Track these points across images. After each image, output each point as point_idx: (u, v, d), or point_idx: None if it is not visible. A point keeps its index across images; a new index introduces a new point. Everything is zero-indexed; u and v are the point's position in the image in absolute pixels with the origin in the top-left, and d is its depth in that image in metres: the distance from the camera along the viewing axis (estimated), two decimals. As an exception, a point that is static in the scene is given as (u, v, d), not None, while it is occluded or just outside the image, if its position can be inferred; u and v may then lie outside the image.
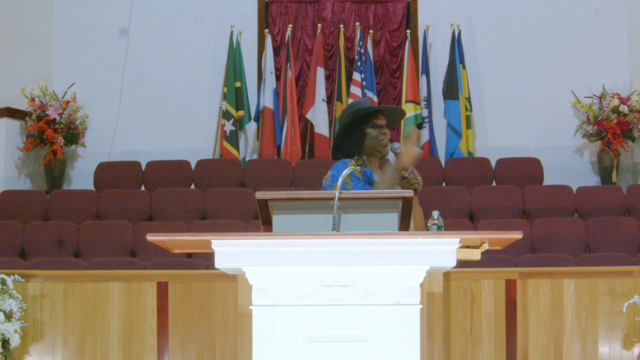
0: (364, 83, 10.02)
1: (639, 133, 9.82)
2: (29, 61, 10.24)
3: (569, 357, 6.92)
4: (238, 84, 10.11)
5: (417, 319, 3.16)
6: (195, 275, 7.26)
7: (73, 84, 10.02)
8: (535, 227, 8.41)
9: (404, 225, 3.57)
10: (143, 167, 9.76)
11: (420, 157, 4.11)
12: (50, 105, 9.84)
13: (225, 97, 10.07)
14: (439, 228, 3.56)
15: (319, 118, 10.03)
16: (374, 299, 3.17)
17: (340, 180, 3.52)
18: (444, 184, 9.61)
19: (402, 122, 10.05)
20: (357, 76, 10.06)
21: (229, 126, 9.99)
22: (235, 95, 10.08)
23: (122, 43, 10.40)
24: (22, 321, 6.87)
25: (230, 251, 3.20)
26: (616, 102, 9.76)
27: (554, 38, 10.31)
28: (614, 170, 9.73)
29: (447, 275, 6.71)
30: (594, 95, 9.98)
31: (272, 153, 9.99)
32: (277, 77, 10.21)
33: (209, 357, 7.04)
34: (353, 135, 4.27)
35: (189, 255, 7.90)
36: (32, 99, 9.88)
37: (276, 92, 10.12)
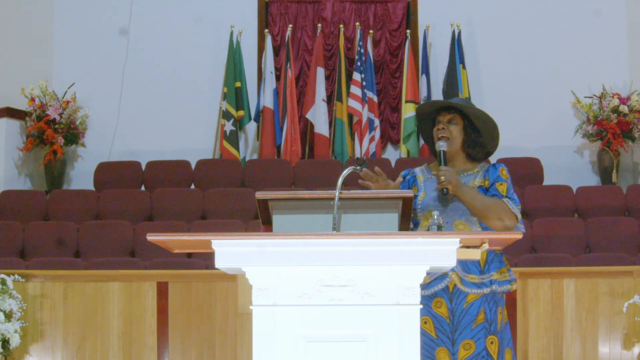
0: (364, 83, 10.03)
1: (639, 133, 9.82)
2: (29, 61, 10.24)
3: (569, 357, 6.92)
4: (238, 84, 10.11)
5: (417, 319, 3.16)
6: (195, 275, 7.26)
7: (73, 84, 10.03)
8: (535, 227, 8.41)
9: (404, 225, 3.57)
10: (143, 167, 9.77)
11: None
12: (50, 105, 9.84)
13: (225, 97, 10.07)
14: (439, 228, 3.56)
15: (319, 118, 10.03)
16: (374, 299, 3.17)
17: (340, 180, 3.51)
18: (444, 184, 9.59)
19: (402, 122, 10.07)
20: (357, 76, 10.06)
21: (229, 126, 9.99)
22: (235, 95, 10.08)
23: (122, 43, 10.40)
24: (22, 321, 6.88)
25: (230, 251, 3.20)
26: (616, 102, 9.76)
27: (554, 38, 10.31)
28: (614, 170, 9.73)
29: (447, 275, 6.70)
30: (594, 95, 9.98)
31: (272, 153, 10.00)
32: (277, 77, 10.21)
33: (209, 357, 7.04)
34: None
35: (189, 255, 7.90)
36: (32, 99, 9.88)
37: (276, 92, 10.13)
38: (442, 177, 3.99)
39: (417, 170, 4.28)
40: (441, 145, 4.06)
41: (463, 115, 4.19)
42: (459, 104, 4.22)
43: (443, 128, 4.15)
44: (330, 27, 10.48)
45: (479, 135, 4.22)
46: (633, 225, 8.44)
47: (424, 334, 4.02)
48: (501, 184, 4.15)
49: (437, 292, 4.07)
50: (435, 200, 4.12)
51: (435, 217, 3.57)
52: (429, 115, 4.27)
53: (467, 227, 4.08)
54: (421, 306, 3.20)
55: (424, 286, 4.03)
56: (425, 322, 4.07)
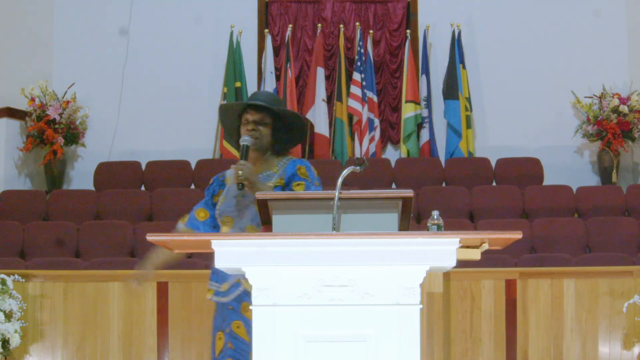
0: (364, 83, 10.03)
1: (639, 133, 9.82)
2: (29, 61, 10.24)
3: (569, 357, 6.92)
4: (238, 84, 10.11)
5: (417, 319, 3.16)
6: (195, 275, 7.26)
7: (73, 84, 10.02)
8: (535, 227, 8.41)
9: (404, 225, 3.57)
10: (143, 167, 9.77)
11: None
12: (50, 105, 9.84)
13: (225, 97, 10.07)
14: (438, 228, 3.55)
15: (319, 118, 10.03)
16: (374, 299, 3.17)
17: (340, 180, 3.51)
18: (444, 184, 9.61)
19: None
20: (357, 76, 10.06)
21: (229, 126, 9.98)
22: (236, 95, 10.08)
23: (122, 43, 10.40)
24: (22, 321, 6.88)
25: (230, 251, 3.20)
26: (616, 102, 9.76)
27: (554, 38, 10.31)
28: (614, 170, 9.73)
29: (447, 275, 6.70)
30: (594, 95, 9.98)
31: (272, 153, 9.98)
32: (277, 77, 10.21)
33: (209, 357, 7.04)
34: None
35: (189, 255, 7.90)
36: (32, 99, 9.88)
37: (276, 92, 10.12)
38: (240, 172, 3.86)
39: (229, 172, 4.14)
40: (245, 140, 3.94)
41: (272, 114, 4.03)
42: (267, 105, 4.02)
43: (254, 129, 4.00)
44: (330, 27, 10.48)
45: (289, 132, 4.07)
46: (633, 225, 8.43)
47: (236, 337, 3.98)
48: (298, 184, 3.98)
49: (240, 296, 4.06)
50: (231, 207, 4.09)
51: (435, 217, 3.57)
52: (234, 110, 4.11)
53: (258, 231, 3.94)
54: (421, 306, 3.20)
55: (223, 293, 4.11)
56: (238, 327, 4.04)
